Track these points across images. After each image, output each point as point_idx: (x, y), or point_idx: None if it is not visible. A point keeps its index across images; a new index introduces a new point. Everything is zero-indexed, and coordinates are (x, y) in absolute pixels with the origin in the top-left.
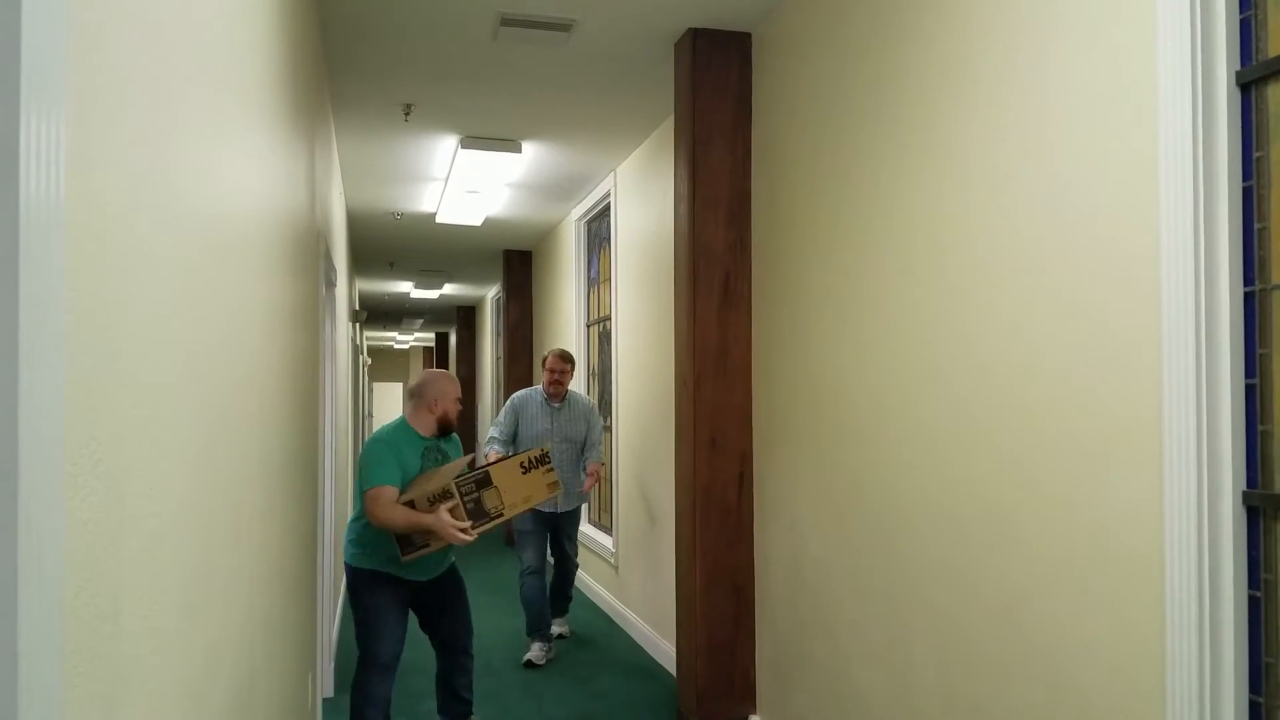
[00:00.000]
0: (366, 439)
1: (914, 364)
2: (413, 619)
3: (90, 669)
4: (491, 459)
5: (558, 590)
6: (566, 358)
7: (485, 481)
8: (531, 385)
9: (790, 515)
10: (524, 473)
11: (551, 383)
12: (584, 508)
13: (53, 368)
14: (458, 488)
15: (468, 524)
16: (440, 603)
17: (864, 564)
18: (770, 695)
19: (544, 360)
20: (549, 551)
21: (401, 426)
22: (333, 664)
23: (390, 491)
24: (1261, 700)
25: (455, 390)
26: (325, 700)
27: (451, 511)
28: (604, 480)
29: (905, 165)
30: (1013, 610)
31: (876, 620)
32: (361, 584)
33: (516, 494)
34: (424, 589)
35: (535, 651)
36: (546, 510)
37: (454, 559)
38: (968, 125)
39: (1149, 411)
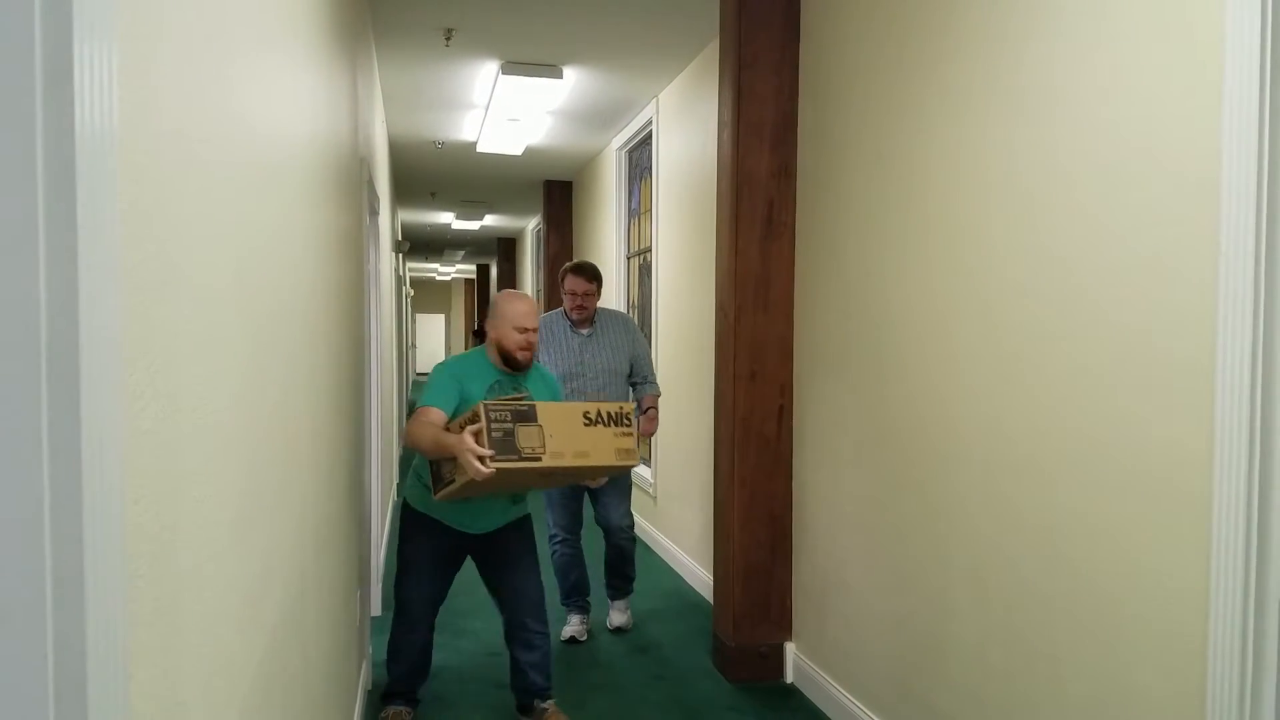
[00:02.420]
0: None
1: (956, 295)
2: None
3: (151, 573)
4: None
5: (612, 570)
6: (590, 274)
7: (528, 415)
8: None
9: (830, 445)
10: (587, 425)
11: (575, 308)
12: (632, 473)
13: (110, 278)
14: (486, 411)
15: (488, 451)
16: (500, 564)
17: (903, 493)
18: (806, 622)
19: (561, 278)
20: (594, 519)
21: (475, 354)
22: (379, 584)
23: (436, 414)
24: None
25: (515, 313)
26: (374, 618)
27: (475, 437)
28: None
29: (955, 93)
30: (1054, 536)
31: (914, 548)
32: (406, 524)
33: (567, 443)
34: (483, 546)
35: (575, 625)
36: None
37: (524, 512)
38: (1022, 50)
39: (1201, 348)
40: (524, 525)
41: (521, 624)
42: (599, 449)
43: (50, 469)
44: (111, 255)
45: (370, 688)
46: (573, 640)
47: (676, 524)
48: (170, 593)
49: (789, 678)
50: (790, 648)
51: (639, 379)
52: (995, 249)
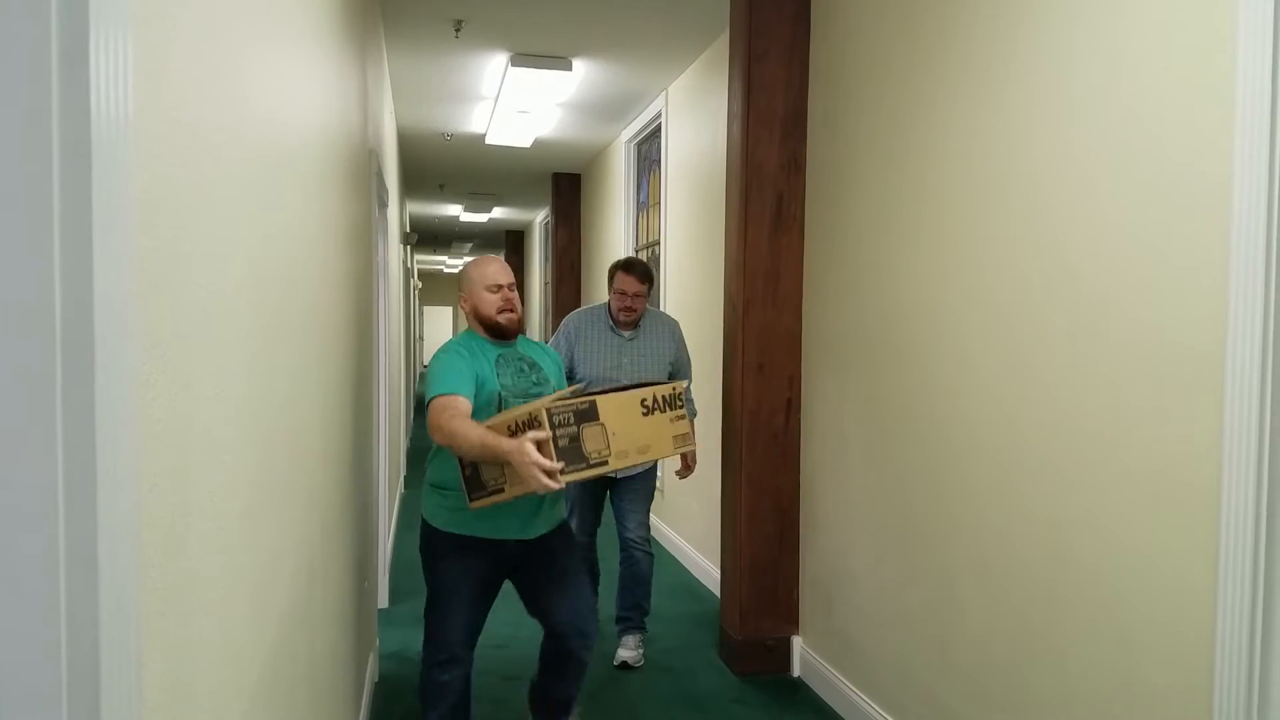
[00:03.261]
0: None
1: (964, 290)
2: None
3: (163, 562)
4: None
5: (626, 593)
6: (643, 274)
7: (589, 414)
8: (589, 304)
9: (837, 439)
10: (645, 414)
11: (623, 309)
12: (659, 472)
13: (124, 266)
14: (550, 416)
15: (557, 465)
16: (548, 578)
17: (910, 486)
18: (812, 615)
19: (610, 275)
20: (616, 525)
21: (465, 335)
22: (388, 576)
23: (463, 403)
24: None
25: (483, 274)
26: (381, 610)
27: (539, 447)
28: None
29: (966, 85)
30: (1062, 530)
31: (922, 541)
32: (433, 547)
33: (629, 439)
34: (526, 557)
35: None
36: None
37: (564, 512)
38: (1034, 46)
39: (1211, 341)
40: (565, 529)
41: (569, 652)
42: (659, 439)
43: (64, 458)
44: (125, 243)
45: (378, 679)
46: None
47: (683, 517)
48: (182, 582)
49: (796, 671)
50: (797, 641)
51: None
52: (1006, 244)
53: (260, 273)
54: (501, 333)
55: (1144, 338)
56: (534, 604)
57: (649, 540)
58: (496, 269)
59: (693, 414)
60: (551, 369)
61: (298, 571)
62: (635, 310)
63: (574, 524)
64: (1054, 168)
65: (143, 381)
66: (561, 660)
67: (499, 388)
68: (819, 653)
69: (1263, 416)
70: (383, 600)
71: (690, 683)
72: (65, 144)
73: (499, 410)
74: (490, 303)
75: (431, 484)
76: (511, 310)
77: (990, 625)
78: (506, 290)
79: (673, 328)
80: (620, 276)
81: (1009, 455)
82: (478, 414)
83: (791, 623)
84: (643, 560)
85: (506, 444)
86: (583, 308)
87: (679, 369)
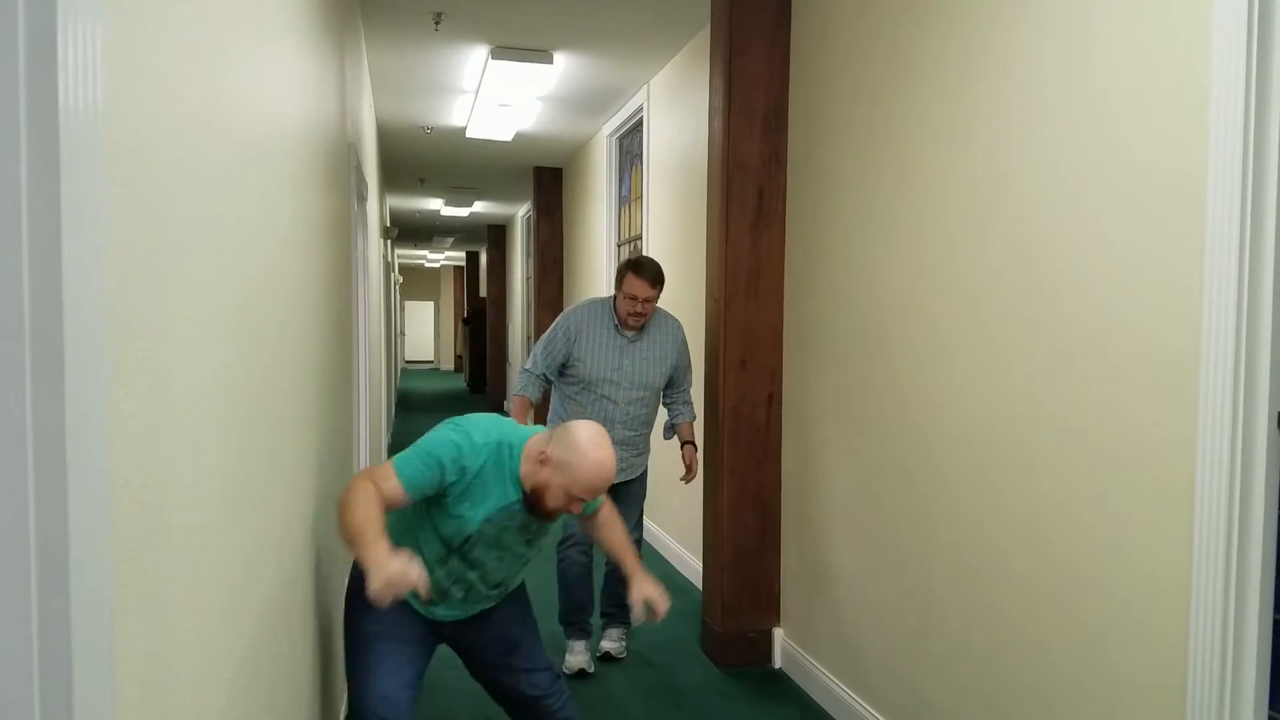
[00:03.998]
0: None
1: (942, 285)
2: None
3: (138, 558)
4: (515, 406)
5: (613, 591)
6: (655, 277)
7: None
8: (588, 297)
9: (818, 433)
10: None
11: (632, 314)
12: (647, 474)
13: (95, 259)
14: None
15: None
16: (488, 655)
17: (889, 480)
18: (793, 607)
19: (620, 276)
20: None
21: (509, 451)
22: None
23: (394, 498)
24: None
25: (586, 477)
26: None
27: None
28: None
29: (946, 81)
30: (1037, 523)
31: (900, 534)
32: (360, 597)
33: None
34: (455, 631)
35: (580, 655)
36: None
37: (519, 582)
38: (1013, 41)
39: (1186, 336)
40: (519, 595)
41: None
42: None
43: (34, 454)
44: (96, 236)
45: None
46: (582, 673)
47: (665, 511)
48: (157, 577)
49: (777, 663)
50: (779, 633)
51: (677, 398)
52: (984, 240)
53: (236, 266)
54: (539, 517)
55: (1120, 333)
56: (476, 673)
57: (640, 542)
58: (595, 484)
59: (690, 417)
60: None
61: (278, 569)
62: (644, 315)
63: (569, 525)
64: (1031, 164)
65: (114, 376)
66: None
67: (475, 529)
68: (801, 645)
69: (1236, 411)
70: None
71: (672, 675)
72: (33, 137)
73: (460, 547)
74: (559, 502)
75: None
76: (562, 513)
77: (967, 616)
78: (578, 504)
79: (676, 330)
80: (630, 279)
81: (985, 449)
82: (437, 530)
83: (773, 615)
84: None
85: (378, 555)
86: (587, 301)
87: (678, 374)
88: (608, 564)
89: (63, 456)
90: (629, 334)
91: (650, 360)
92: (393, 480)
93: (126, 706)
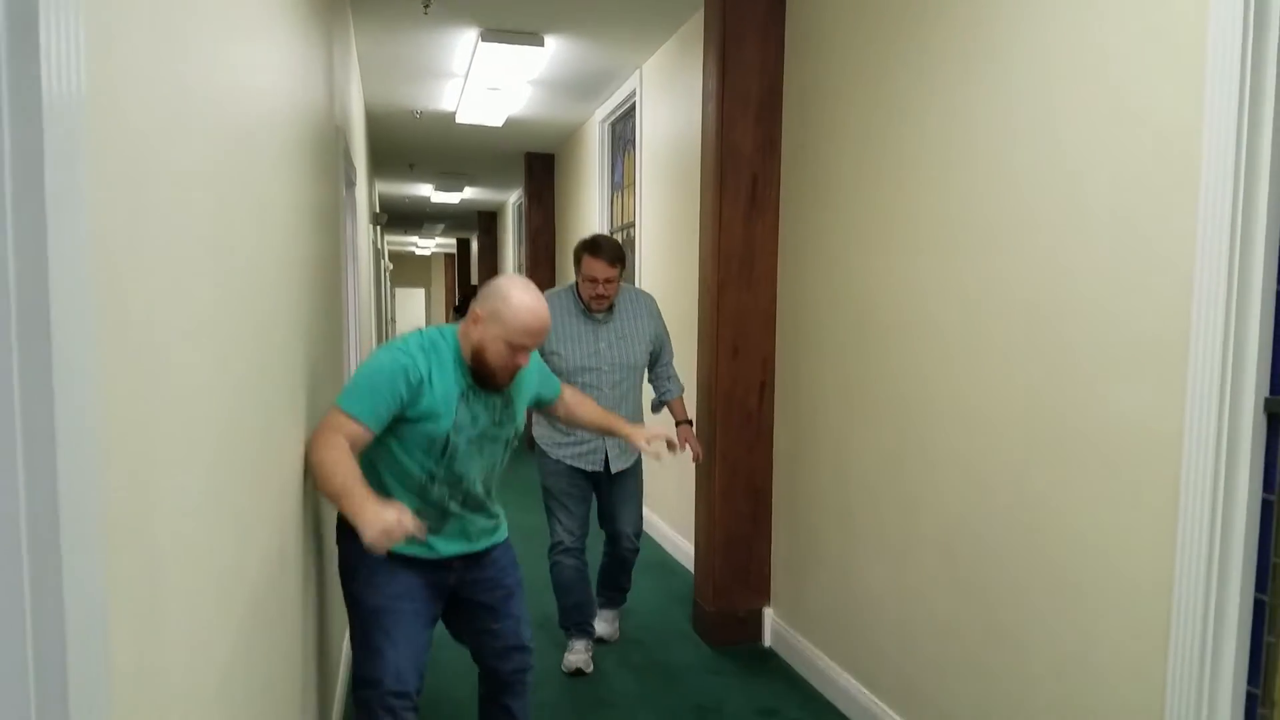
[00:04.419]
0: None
1: (934, 273)
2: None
3: (128, 539)
4: None
5: (608, 578)
6: (614, 255)
7: None
8: (556, 286)
9: (810, 420)
10: None
11: (594, 297)
12: (642, 463)
13: (80, 247)
14: None
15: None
16: (484, 597)
17: (879, 468)
18: (784, 589)
19: (576, 258)
20: (599, 523)
21: (445, 341)
22: None
23: (354, 430)
24: (1266, 599)
25: (519, 323)
26: None
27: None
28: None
29: (941, 67)
30: (1024, 507)
31: (888, 519)
32: (361, 568)
33: None
34: (463, 571)
35: (581, 653)
36: (588, 468)
37: (502, 520)
38: (1012, 24)
39: (1175, 327)
40: (508, 543)
41: (521, 669)
42: None
43: (24, 437)
44: (81, 225)
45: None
46: (579, 673)
47: (657, 494)
48: (148, 559)
49: (767, 641)
50: (769, 613)
51: (661, 373)
52: (978, 229)
53: (222, 251)
54: (491, 386)
55: (1110, 323)
56: (462, 628)
57: (640, 535)
58: (534, 328)
59: (679, 391)
60: (528, 393)
61: (269, 552)
62: (607, 297)
63: (560, 530)
64: (1027, 152)
65: (102, 360)
66: (507, 690)
67: (449, 429)
68: (790, 623)
69: (1223, 397)
70: None
71: (664, 654)
72: (16, 121)
73: (441, 456)
74: (502, 359)
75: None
76: (512, 375)
77: (954, 596)
78: (524, 356)
79: (649, 303)
80: (587, 261)
81: (975, 436)
82: (412, 455)
83: (763, 595)
84: (629, 557)
85: (368, 509)
86: (550, 291)
87: (659, 347)
88: (606, 559)
89: (52, 440)
90: (599, 316)
91: (627, 339)
92: (351, 423)
93: (120, 683)
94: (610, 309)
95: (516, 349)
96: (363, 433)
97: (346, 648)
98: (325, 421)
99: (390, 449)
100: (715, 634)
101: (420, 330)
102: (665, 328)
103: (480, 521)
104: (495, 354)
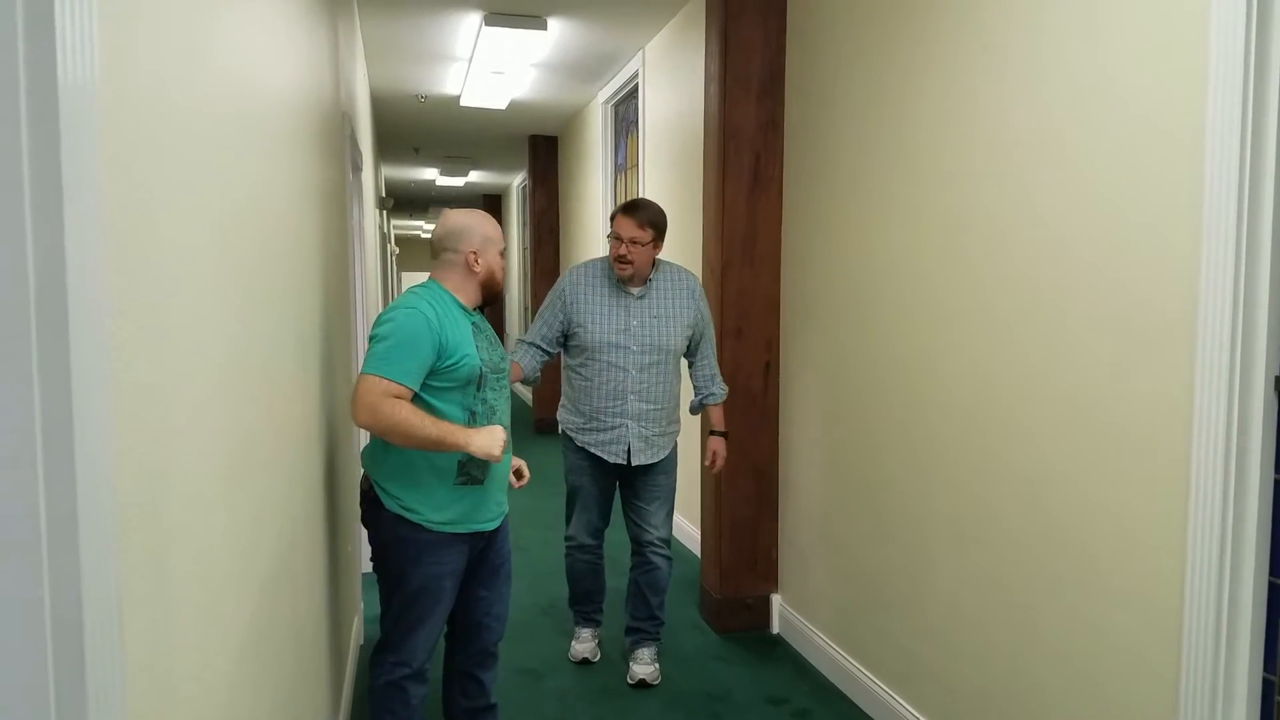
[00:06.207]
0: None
1: (940, 250)
2: None
3: (142, 524)
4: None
5: (638, 603)
6: (645, 217)
7: None
8: (561, 267)
9: (815, 401)
10: None
11: (617, 258)
12: (676, 453)
13: (94, 230)
14: None
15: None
16: (486, 573)
17: (886, 446)
18: (791, 573)
19: (612, 218)
20: (625, 524)
21: (435, 292)
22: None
23: (404, 394)
24: None
25: (497, 232)
26: (364, 574)
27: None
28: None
29: (944, 44)
30: (1034, 488)
31: (896, 500)
32: (408, 545)
33: None
34: (480, 549)
35: (586, 642)
36: (610, 459)
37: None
38: (1012, 7)
39: (1183, 302)
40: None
41: (490, 648)
42: None
43: (42, 422)
44: (95, 207)
45: (363, 642)
46: (585, 662)
47: None
48: (161, 543)
49: (775, 628)
50: (776, 599)
51: (703, 369)
52: (983, 205)
53: (233, 235)
54: (492, 301)
55: (1118, 298)
56: (466, 602)
57: (669, 542)
58: (500, 230)
59: (721, 397)
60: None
61: (280, 535)
62: (631, 261)
63: (575, 525)
64: (1032, 130)
65: (117, 346)
66: (468, 662)
67: (480, 363)
68: (798, 610)
69: (1233, 374)
70: (365, 565)
71: (671, 641)
72: (33, 108)
73: (478, 390)
74: (501, 268)
75: (381, 473)
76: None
77: (961, 580)
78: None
79: (691, 284)
80: (619, 219)
81: (982, 414)
82: (453, 393)
83: (770, 581)
84: (662, 565)
85: (473, 435)
86: (585, 261)
87: (699, 337)
88: (634, 574)
89: (70, 424)
90: (634, 290)
91: (662, 318)
92: (394, 386)
93: (135, 666)
94: (646, 282)
95: (503, 253)
96: (405, 393)
97: (357, 625)
98: (369, 389)
99: (428, 405)
100: (722, 620)
101: (408, 291)
102: (709, 314)
103: (506, 473)
104: (499, 268)
